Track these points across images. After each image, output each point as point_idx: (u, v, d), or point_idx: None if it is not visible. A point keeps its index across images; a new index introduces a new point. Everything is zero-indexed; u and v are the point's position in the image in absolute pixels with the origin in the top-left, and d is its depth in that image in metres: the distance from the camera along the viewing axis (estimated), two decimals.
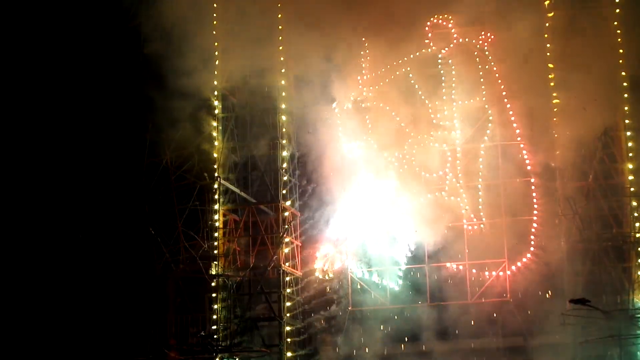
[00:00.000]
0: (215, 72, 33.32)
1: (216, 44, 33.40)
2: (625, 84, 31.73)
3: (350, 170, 34.38)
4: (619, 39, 32.04)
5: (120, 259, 32.65)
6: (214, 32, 33.36)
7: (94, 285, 32.74)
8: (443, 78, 34.25)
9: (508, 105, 33.44)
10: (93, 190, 33.57)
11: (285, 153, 33.53)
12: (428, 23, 34.58)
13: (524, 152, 33.14)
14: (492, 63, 33.89)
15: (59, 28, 34.06)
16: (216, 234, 32.52)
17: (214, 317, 31.85)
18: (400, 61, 34.47)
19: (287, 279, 32.89)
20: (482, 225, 33.23)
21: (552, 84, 32.16)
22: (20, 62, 34.43)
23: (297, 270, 33.66)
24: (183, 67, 31.80)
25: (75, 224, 33.29)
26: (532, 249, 32.60)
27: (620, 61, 31.79)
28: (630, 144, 31.44)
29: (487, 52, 34.12)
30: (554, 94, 32.05)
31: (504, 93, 33.52)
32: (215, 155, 33.16)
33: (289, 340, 32.27)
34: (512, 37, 32.70)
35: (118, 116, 33.52)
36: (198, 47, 32.21)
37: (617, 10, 32.16)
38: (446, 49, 34.45)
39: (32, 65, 34.42)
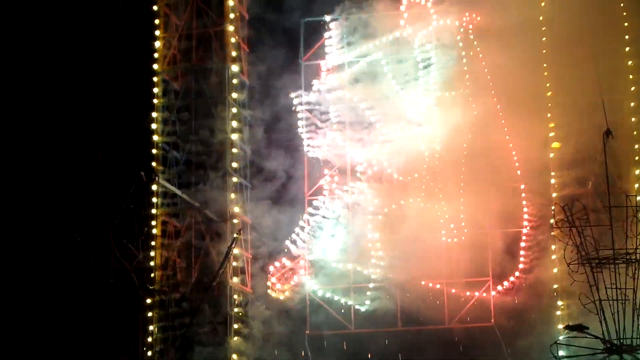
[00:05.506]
0: (156, 55, 30.81)
1: (157, 21, 31.07)
2: (631, 76, 28.66)
3: (311, 173, 32.12)
4: (626, 24, 28.98)
5: (42, 269, 30.22)
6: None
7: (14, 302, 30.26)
8: (420, 66, 31.48)
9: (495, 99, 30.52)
10: (17, 191, 31.12)
11: (234, 150, 30.47)
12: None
13: (513, 153, 30.23)
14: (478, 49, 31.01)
15: None
16: (153, 243, 29.52)
17: (149, 339, 29.02)
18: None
19: (235, 296, 29.79)
20: (463, 238, 30.39)
21: (545, 73, 29.06)
22: None
23: (246, 287, 30.52)
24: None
25: None
26: (520, 266, 29.89)
27: (627, 49, 28.75)
28: (636, 146, 28.37)
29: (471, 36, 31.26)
30: (547, 84, 28.93)
31: (490, 84, 30.56)
32: (154, 151, 30.16)
33: None
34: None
35: (42, 106, 31.27)
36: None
37: None
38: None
39: None
